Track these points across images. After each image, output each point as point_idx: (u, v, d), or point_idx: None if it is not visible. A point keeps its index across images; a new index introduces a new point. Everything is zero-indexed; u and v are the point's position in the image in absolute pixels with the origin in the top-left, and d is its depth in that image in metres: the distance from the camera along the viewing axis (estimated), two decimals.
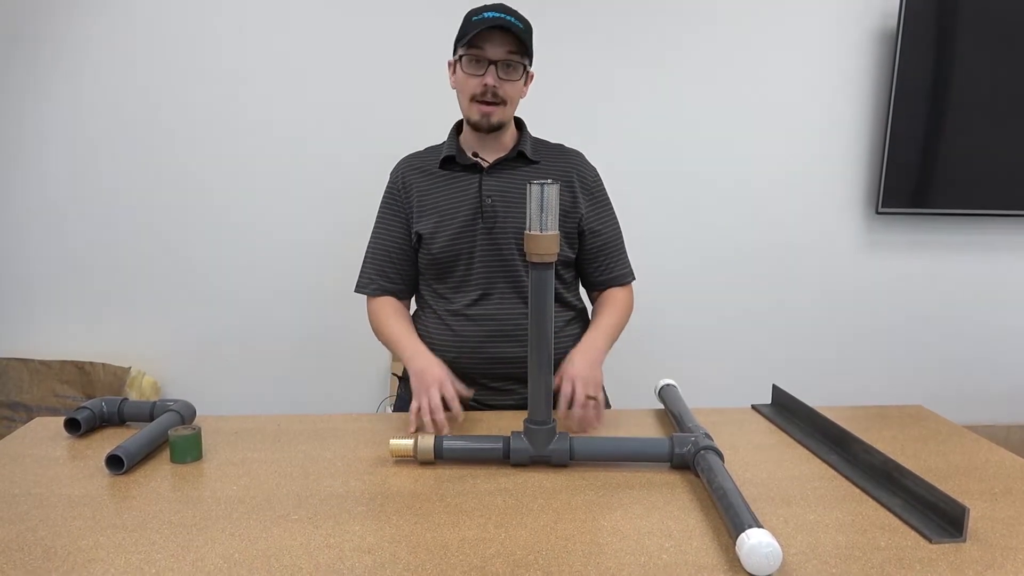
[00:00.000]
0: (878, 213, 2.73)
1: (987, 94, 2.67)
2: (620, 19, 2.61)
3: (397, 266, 1.60)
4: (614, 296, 1.62)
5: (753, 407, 1.54)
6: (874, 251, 2.83)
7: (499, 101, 1.48)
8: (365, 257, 1.63)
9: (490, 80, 1.46)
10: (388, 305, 1.60)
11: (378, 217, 1.63)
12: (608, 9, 2.60)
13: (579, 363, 1.41)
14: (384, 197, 1.64)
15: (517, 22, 1.46)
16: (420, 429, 1.34)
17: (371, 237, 1.63)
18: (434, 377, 1.38)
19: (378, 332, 1.60)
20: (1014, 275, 2.88)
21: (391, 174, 1.64)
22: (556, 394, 1.33)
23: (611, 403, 1.72)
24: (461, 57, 1.48)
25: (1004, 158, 2.72)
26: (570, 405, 1.36)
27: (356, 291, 1.63)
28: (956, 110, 2.68)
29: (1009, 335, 2.92)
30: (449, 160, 1.57)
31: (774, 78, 2.69)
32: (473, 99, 1.49)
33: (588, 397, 1.36)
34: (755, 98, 2.70)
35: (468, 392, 1.42)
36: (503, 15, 1.45)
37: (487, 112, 1.49)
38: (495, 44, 1.45)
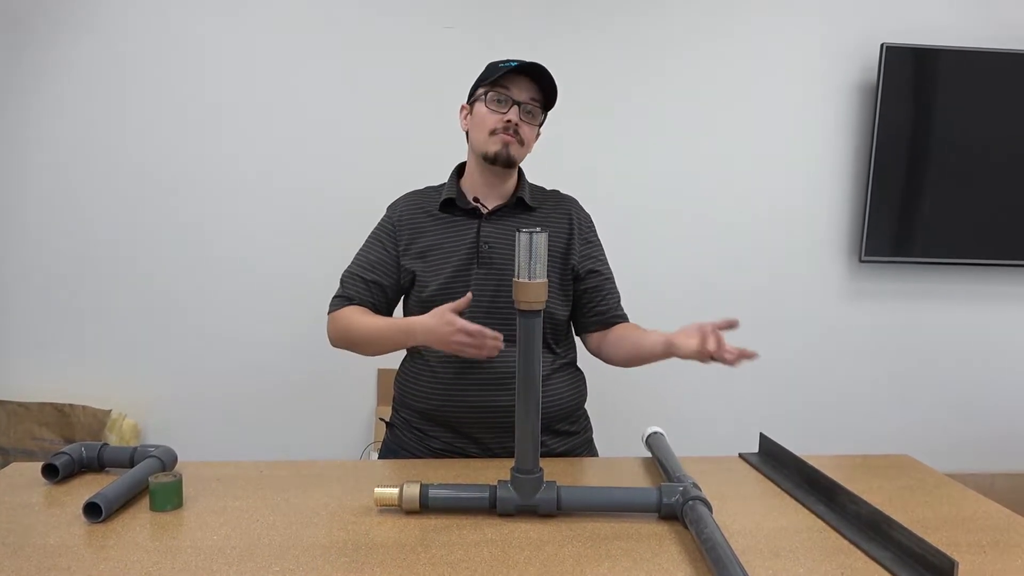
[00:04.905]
0: (861, 261, 2.77)
1: (967, 145, 2.73)
2: (605, 77, 2.67)
3: (372, 292, 1.58)
4: (629, 324, 1.63)
5: (740, 456, 1.53)
6: (858, 299, 2.85)
7: (518, 138, 1.52)
8: (342, 280, 1.62)
9: (513, 117, 1.50)
10: (358, 309, 1.56)
11: (363, 246, 1.63)
12: (591, 68, 2.66)
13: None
14: (376, 229, 1.64)
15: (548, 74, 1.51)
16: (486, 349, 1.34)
17: (351, 264, 1.62)
18: (444, 325, 1.36)
19: (350, 331, 1.54)
20: (996, 323, 2.90)
21: (389, 208, 1.66)
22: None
23: (598, 451, 1.72)
24: (486, 93, 1.51)
25: (985, 208, 2.77)
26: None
27: (328, 312, 1.60)
28: (936, 160, 2.74)
29: (992, 382, 2.93)
30: (449, 203, 1.59)
31: (757, 129, 2.74)
32: (493, 132, 1.51)
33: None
34: (739, 149, 2.74)
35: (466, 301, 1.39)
36: (533, 63, 1.51)
37: (507, 141, 1.51)
38: (521, 87, 1.51)
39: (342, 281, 1.62)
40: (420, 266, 1.55)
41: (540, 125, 1.59)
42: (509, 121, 1.50)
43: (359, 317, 1.55)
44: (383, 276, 1.59)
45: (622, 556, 1.06)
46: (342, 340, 1.58)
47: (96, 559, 1.02)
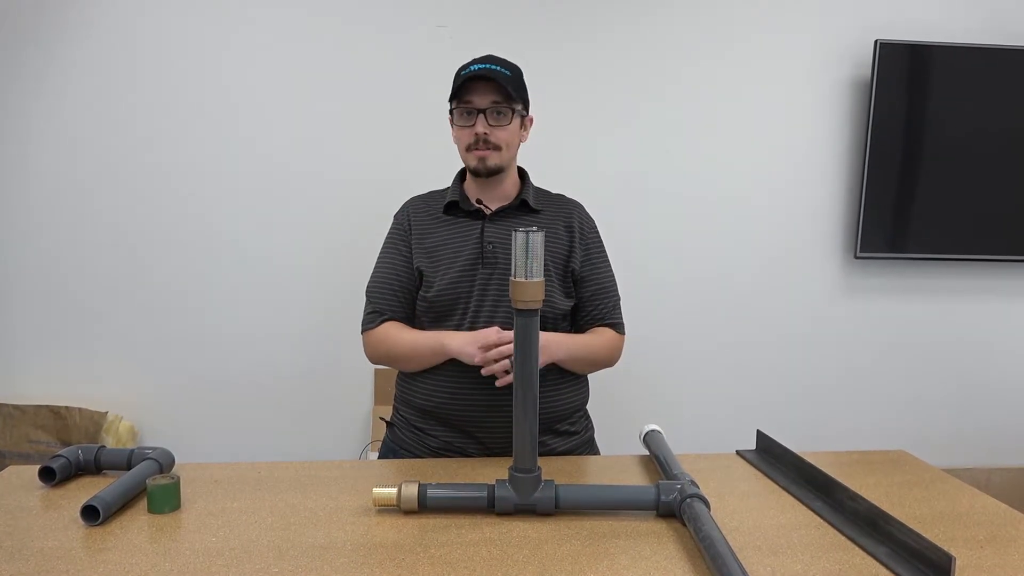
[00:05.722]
0: (856, 257, 2.77)
1: (960, 141, 2.74)
2: (601, 72, 2.67)
3: (402, 301, 1.59)
4: (599, 329, 1.63)
5: (738, 453, 1.54)
6: (853, 295, 2.86)
7: (492, 147, 1.51)
8: (369, 294, 1.61)
9: (480, 128, 1.50)
10: (396, 325, 1.58)
11: (381, 256, 1.64)
12: (587, 64, 2.66)
13: None
14: (389, 236, 1.65)
15: (503, 70, 1.50)
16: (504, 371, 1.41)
17: (373, 276, 1.62)
18: (482, 332, 1.44)
19: (391, 350, 1.56)
20: (992, 318, 2.91)
21: (396, 216, 1.66)
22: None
23: (599, 450, 1.72)
24: (453, 110, 1.54)
25: (979, 204, 2.78)
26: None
27: (363, 330, 1.61)
28: (931, 156, 2.74)
29: (988, 377, 2.94)
30: (452, 206, 1.60)
31: (752, 125, 2.74)
32: (468, 148, 1.53)
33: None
34: (734, 145, 2.74)
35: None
36: (487, 65, 1.50)
37: (482, 156, 1.52)
38: (481, 94, 1.50)
39: (368, 295, 1.62)
40: (427, 265, 1.56)
41: (522, 116, 1.57)
42: (477, 135, 1.51)
43: (398, 334, 1.56)
44: (407, 280, 1.59)
45: (620, 554, 1.06)
46: (383, 358, 1.60)
47: (94, 562, 1.02)
